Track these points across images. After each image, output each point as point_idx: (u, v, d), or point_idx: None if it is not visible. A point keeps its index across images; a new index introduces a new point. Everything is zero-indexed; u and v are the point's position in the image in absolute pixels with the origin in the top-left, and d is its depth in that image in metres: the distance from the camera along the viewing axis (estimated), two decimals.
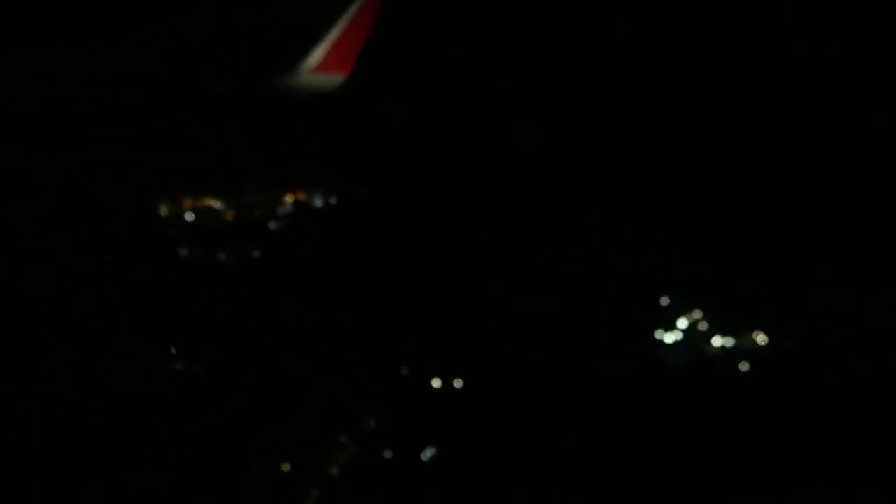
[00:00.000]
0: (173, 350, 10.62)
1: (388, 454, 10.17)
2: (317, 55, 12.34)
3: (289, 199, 11.99)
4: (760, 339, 10.36)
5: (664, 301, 10.70)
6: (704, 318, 10.59)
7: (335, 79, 12.29)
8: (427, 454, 10.20)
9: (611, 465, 9.95)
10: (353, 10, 12.37)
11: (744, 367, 10.28)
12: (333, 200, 11.93)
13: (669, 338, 10.47)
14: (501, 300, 10.78)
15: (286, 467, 10.12)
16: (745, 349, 10.32)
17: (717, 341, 10.39)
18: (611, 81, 11.40)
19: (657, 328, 10.61)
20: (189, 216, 11.70)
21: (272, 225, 11.72)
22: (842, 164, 10.63)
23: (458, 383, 10.50)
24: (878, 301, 10.10)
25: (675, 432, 10.03)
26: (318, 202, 11.97)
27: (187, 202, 11.77)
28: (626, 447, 9.99)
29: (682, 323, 10.55)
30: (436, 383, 10.47)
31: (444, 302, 10.87)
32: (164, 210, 11.65)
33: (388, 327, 10.78)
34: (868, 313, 10.11)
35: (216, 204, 11.89)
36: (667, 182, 10.88)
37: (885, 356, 9.92)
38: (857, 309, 10.11)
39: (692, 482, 9.84)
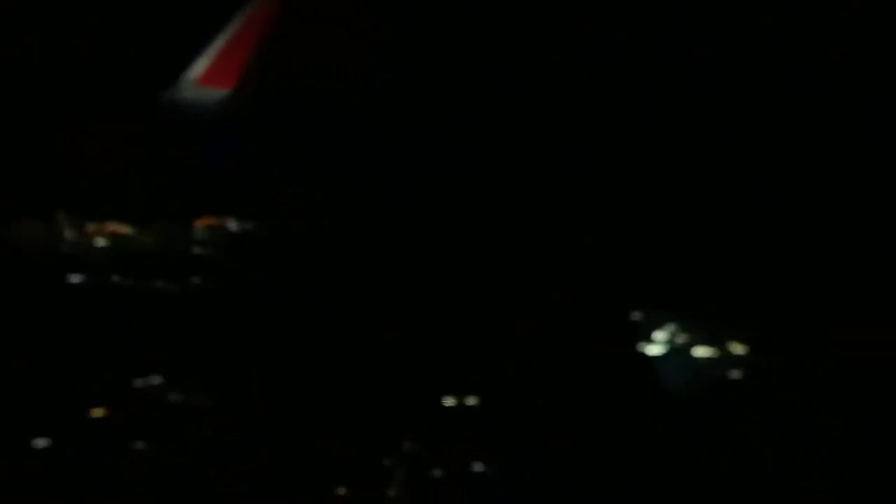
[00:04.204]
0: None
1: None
2: (199, 67, 11.29)
3: (200, 224, 11.00)
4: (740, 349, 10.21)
5: (636, 316, 10.40)
6: (682, 330, 10.35)
7: (219, 93, 11.30)
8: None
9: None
10: (237, 20, 11.40)
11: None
12: (250, 226, 10.99)
13: (653, 350, 10.19)
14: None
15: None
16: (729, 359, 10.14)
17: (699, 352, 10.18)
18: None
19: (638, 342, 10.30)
20: (100, 242, 10.54)
21: (196, 251, 10.70)
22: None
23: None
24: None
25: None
26: (233, 227, 11.02)
27: (92, 228, 10.60)
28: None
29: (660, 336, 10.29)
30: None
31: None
32: (69, 235, 10.45)
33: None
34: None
35: (126, 230, 10.77)
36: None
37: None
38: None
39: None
